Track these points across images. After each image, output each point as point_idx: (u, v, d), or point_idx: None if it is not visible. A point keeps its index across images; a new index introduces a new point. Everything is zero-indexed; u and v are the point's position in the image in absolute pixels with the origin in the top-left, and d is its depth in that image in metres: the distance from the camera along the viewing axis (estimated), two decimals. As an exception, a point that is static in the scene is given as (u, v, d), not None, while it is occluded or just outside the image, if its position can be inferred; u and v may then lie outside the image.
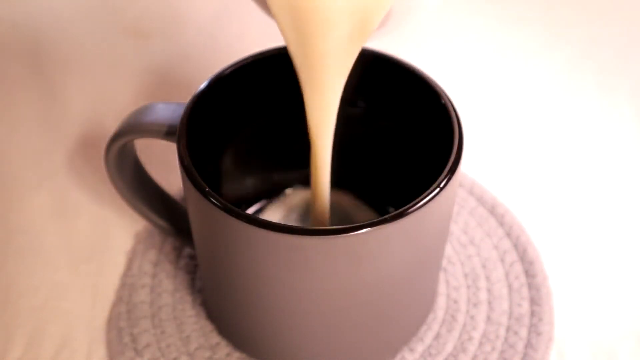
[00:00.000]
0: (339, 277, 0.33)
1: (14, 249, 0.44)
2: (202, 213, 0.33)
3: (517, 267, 0.42)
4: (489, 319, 0.40)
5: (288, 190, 0.44)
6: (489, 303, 0.41)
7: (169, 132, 0.35)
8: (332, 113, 0.34)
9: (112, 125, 0.39)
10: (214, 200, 0.31)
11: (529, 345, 0.39)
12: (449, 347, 0.39)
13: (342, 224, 0.31)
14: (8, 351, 0.40)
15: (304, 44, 0.31)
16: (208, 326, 0.40)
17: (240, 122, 0.39)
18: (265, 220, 0.31)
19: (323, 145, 0.35)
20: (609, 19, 0.58)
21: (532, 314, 0.40)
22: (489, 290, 0.41)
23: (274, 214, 0.43)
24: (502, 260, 0.43)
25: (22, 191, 0.47)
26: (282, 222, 0.38)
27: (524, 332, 0.40)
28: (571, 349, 0.40)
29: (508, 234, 0.44)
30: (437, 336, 0.40)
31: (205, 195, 0.32)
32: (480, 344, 0.39)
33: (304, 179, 0.41)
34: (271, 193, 0.44)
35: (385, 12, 0.31)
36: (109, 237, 0.44)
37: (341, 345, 0.36)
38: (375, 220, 0.31)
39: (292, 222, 0.43)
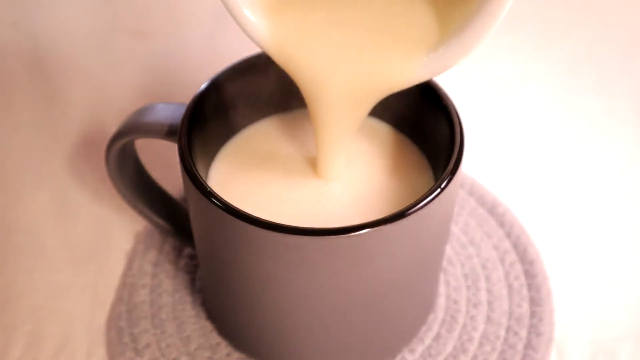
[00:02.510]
0: (339, 277, 0.33)
1: (14, 249, 0.44)
2: (202, 213, 0.33)
3: (517, 267, 0.42)
4: (489, 319, 0.40)
5: None
6: (489, 303, 0.41)
7: (169, 132, 0.35)
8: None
9: (112, 125, 0.39)
10: (214, 201, 0.31)
11: (529, 345, 0.39)
12: (449, 348, 0.39)
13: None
14: (8, 351, 0.40)
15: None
16: (208, 326, 0.40)
17: (241, 123, 0.39)
18: (266, 220, 0.31)
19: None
20: (609, 19, 0.58)
21: (532, 314, 0.40)
22: (489, 291, 0.41)
23: None
24: (502, 261, 0.43)
25: (22, 191, 0.47)
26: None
27: (524, 333, 0.40)
28: (571, 349, 0.40)
29: (508, 234, 0.44)
30: (437, 337, 0.40)
31: (206, 195, 0.32)
32: (480, 344, 0.39)
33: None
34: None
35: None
36: (109, 237, 0.44)
37: (341, 345, 0.36)
38: (375, 220, 0.31)
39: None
